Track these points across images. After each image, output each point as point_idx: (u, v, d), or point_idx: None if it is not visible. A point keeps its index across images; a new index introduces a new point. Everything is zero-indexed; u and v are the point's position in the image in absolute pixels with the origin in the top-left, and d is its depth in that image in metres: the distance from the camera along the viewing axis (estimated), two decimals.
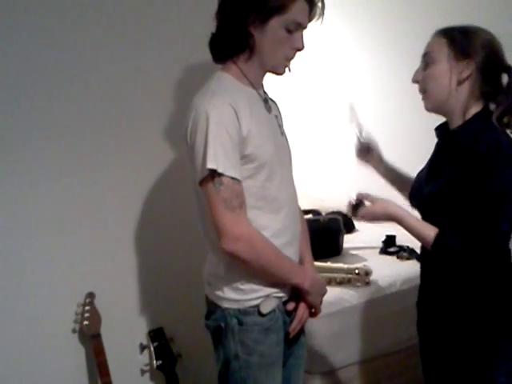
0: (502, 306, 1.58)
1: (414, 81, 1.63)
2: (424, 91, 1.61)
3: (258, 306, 1.58)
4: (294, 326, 1.65)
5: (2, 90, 1.85)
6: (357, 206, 1.70)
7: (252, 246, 1.51)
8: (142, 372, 2.14)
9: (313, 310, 1.72)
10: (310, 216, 3.25)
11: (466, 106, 1.57)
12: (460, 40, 1.55)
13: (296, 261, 1.68)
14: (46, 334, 1.97)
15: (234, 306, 1.58)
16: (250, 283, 1.57)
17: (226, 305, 1.59)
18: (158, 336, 2.13)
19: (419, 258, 1.78)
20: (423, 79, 1.60)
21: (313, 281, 1.66)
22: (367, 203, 1.69)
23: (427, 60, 1.59)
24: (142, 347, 2.13)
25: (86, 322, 1.98)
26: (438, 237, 1.54)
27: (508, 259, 1.61)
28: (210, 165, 1.45)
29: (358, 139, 1.90)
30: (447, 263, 1.57)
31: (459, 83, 1.55)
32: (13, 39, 1.84)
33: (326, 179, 4.09)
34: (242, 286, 1.57)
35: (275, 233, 1.58)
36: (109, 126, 2.02)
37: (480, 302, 1.58)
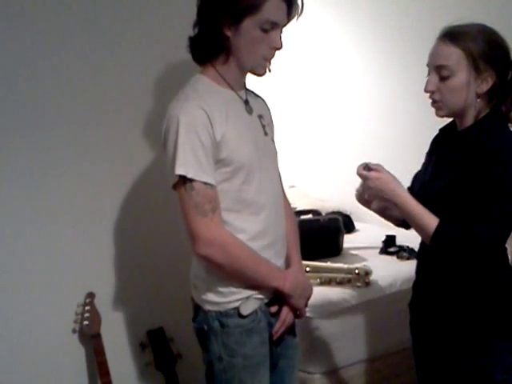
0: (496, 304, 1.58)
1: (428, 91, 1.57)
2: (439, 101, 1.57)
3: (238, 308, 1.57)
4: (277, 329, 1.64)
5: None
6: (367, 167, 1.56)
7: (226, 250, 1.51)
8: (142, 372, 2.14)
9: (298, 313, 1.70)
10: (309, 216, 3.25)
11: (479, 111, 1.56)
12: (479, 53, 1.50)
13: (281, 261, 1.67)
14: (46, 334, 1.97)
15: (216, 308, 1.58)
16: (229, 285, 1.57)
17: (208, 307, 1.60)
18: (157, 336, 2.12)
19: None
20: (439, 90, 1.55)
21: (294, 283, 1.64)
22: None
23: (444, 73, 1.53)
24: (142, 347, 2.13)
25: (85, 322, 1.98)
26: (438, 227, 1.51)
27: (504, 256, 1.61)
28: (179, 170, 1.46)
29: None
30: (445, 255, 1.55)
31: (478, 96, 1.54)
32: None
33: (326, 179, 4.09)
34: (221, 289, 1.58)
35: (254, 235, 1.58)
36: (102, 122, 2.02)
37: (475, 299, 1.58)
